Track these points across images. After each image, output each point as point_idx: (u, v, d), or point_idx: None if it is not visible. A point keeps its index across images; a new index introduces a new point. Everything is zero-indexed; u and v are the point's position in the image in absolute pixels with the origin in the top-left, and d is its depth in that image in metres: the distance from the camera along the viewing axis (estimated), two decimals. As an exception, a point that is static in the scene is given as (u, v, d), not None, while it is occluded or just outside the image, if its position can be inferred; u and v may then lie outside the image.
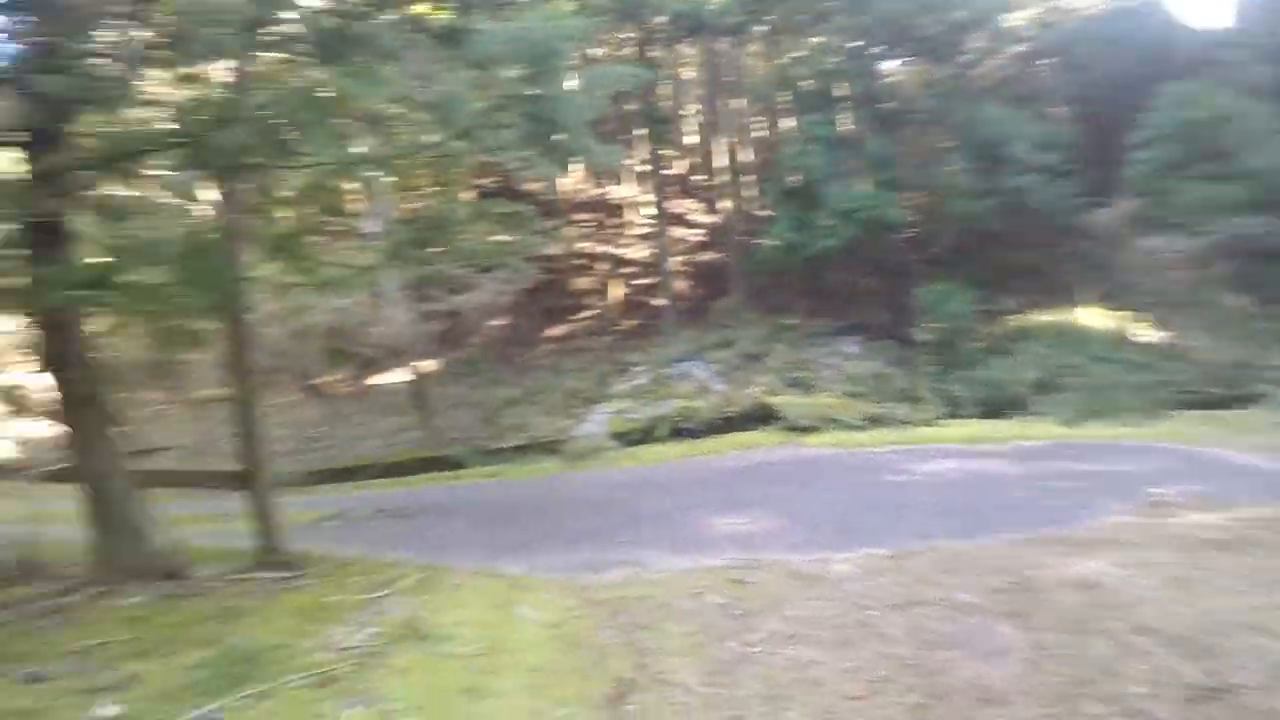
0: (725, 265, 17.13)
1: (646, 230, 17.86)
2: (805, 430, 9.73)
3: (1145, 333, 14.45)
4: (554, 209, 15.34)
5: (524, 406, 12.92)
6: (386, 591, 4.54)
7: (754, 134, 18.60)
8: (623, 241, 18.59)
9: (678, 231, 18.06)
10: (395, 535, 6.77)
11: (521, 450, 11.06)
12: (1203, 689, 2.76)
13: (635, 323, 16.38)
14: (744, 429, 10.33)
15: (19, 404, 6.44)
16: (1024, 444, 8.36)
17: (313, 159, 4.59)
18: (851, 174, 15.77)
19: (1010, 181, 14.79)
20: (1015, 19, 20.89)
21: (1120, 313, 15.02)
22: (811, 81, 17.22)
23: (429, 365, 13.41)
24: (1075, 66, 20.69)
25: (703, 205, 19.28)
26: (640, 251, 18.04)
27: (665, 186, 16.98)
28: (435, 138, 4.94)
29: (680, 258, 17.46)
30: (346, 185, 7.31)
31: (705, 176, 19.21)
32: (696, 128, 19.40)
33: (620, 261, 17.86)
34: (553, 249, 11.37)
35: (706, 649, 3.28)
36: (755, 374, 13.26)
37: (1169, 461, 7.32)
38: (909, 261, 16.93)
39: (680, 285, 16.74)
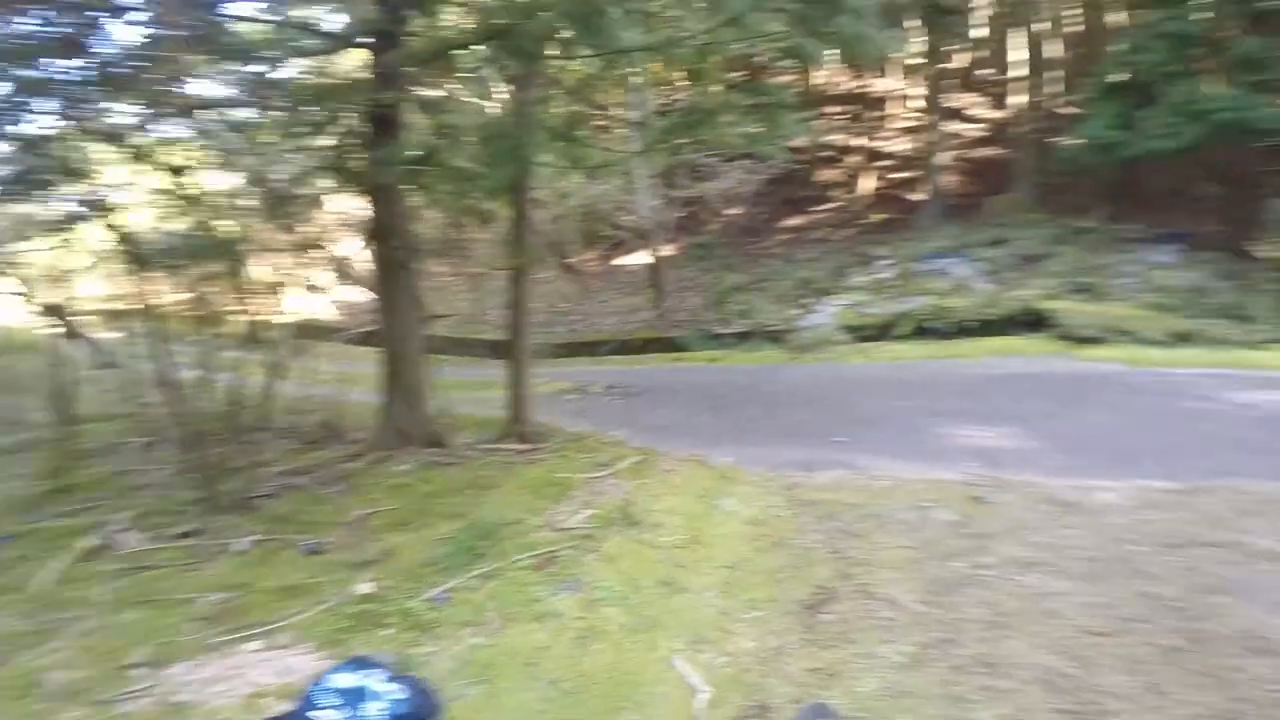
0: (1009, 162, 16.47)
1: (913, 124, 17.80)
2: (1084, 341, 8.82)
3: None
4: (807, 100, 15.30)
5: (752, 293, 13.24)
6: (606, 472, 5.00)
7: (1066, 27, 17.57)
8: (882, 135, 18.40)
9: (953, 126, 17.52)
10: (620, 413, 7.46)
11: (744, 337, 11.52)
12: None
13: (885, 216, 16.12)
14: (1006, 334, 9.65)
15: (344, 272, 8.05)
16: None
17: (597, 48, 5.08)
18: (1205, 73, 14.19)
19: None
20: None
21: None
22: None
23: (668, 249, 14.37)
24: None
25: (988, 100, 18.59)
26: (901, 144, 17.86)
27: (942, 79, 16.80)
28: (703, 25, 5.13)
29: (952, 153, 17.00)
30: (616, 75, 7.96)
31: (994, 70, 18.28)
32: (987, 19, 18.20)
33: (876, 155, 17.74)
34: (801, 141, 11.28)
35: (925, 566, 3.34)
36: (1031, 276, 12.46)
37: None
38: (1261, 171, 15.13)
39: (948, 179, 16.36)
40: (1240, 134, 13.55)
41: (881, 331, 10.42)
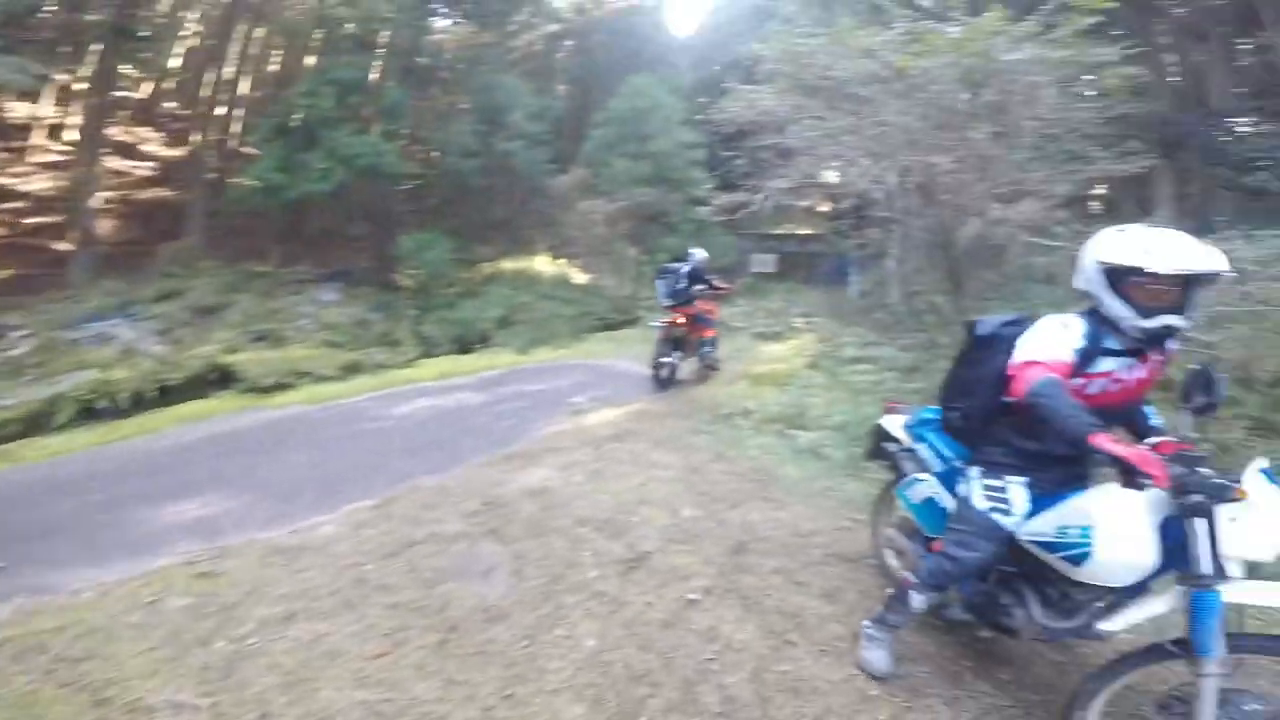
0: (182, 205, 15.75)
1: (61, 159, 15.57)
2: (270, 390, 9.37)
3: (578, 275, 20.00)
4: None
5: None
6: None
7: (268, 68, 17.45)
8: (12, 171, 15.50)
9: (117, 163, 15.89)
10: None
11: None
12: (628, 560, 4.11)
13: (14, 272, 13.50)
14: (194, 397, 9.32)
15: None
16: (487, 374, 10.08)
17: None
18: (361, 120, 16.65)
19: (501, 145, 18.31)
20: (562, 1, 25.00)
21: (563, 260, 20.56)
22: (353, 25, 16.97)
23: None
24: (584, 50, 26.46)
25: (165, 137, 17.53)
26: (42, 183, 15.42)
27: (110, 109, 15.34)
28: None
29: (113, 193, 15.44)
30: None
31: (179, 104, 16.63)
32: (186, 50, 16.72)
33: (3, 195, 14.77)
34: None
35: (186, 659, 3.09)
36: (210, 330, 12.14)
37: (585, 375, 9.79)
38: (401, 211, 18.89)
39: (108, 225, 14.79)
40: (381, 178, 16.40)
41: (29, 426, 8.57)
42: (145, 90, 17.95)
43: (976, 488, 2.73)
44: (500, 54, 23.95)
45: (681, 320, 8.48)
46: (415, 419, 7.42)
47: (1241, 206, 12.93)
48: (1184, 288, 2.32)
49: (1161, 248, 2.25)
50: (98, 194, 14.44)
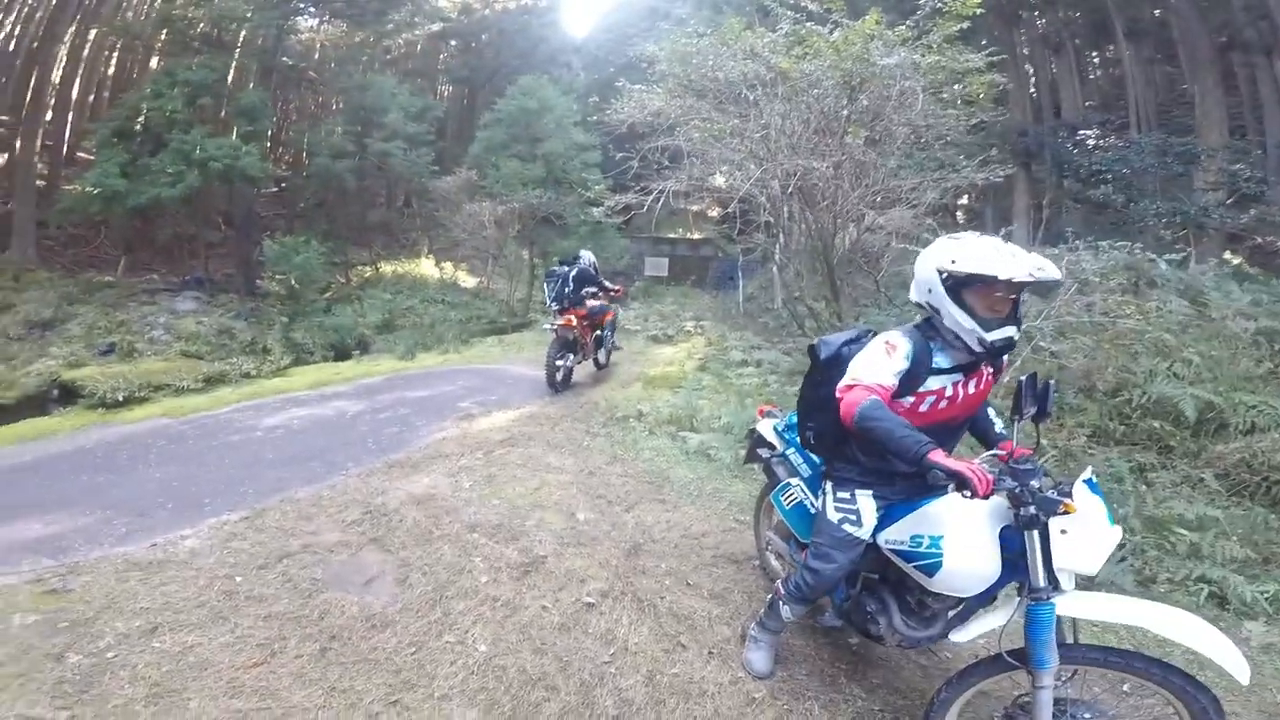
0: (8, 216, 15.14)
1: None
2: (122, 404, 8.81)
3: (467, 279, 19.74)
4: None
5: None
6: None
7: (105, 70, 17.80)
8: None
9: None
10: None
11: None
12: (522, 565, 4.10)
13: None
14: (33, 415, 8.76)
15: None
16: (366, 380, 9.69)
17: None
18: (217, 123, 15.75)
19: (377, 146, 17.91)
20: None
21: (450, 263, 20.21)
22: (205, 25, 15.98)
23: None
24: (471, 51, 25.81)
25: None
26: None
27: None
28: None
29: None
30: None
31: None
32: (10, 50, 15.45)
33: None
34: None
35: (39, 675, 2.87)
36: (49, 345, 11.33)
37: (474, 379, 9.65)
38: (263, 215, 18.13)
39: None
40: (241, 181, 15.61)
41: None
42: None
43: (829, 501, 2.79)
44: (375, 54, 23.48)
45: (573, 322, 8.53)
46: (288, 429, 7.05)
47: (1088, 219, 14.27)
48: (1016, 298, 2.38)
49: (1002, 256, 2.28)
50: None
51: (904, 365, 2.43)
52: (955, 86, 9.13)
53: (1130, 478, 5.24)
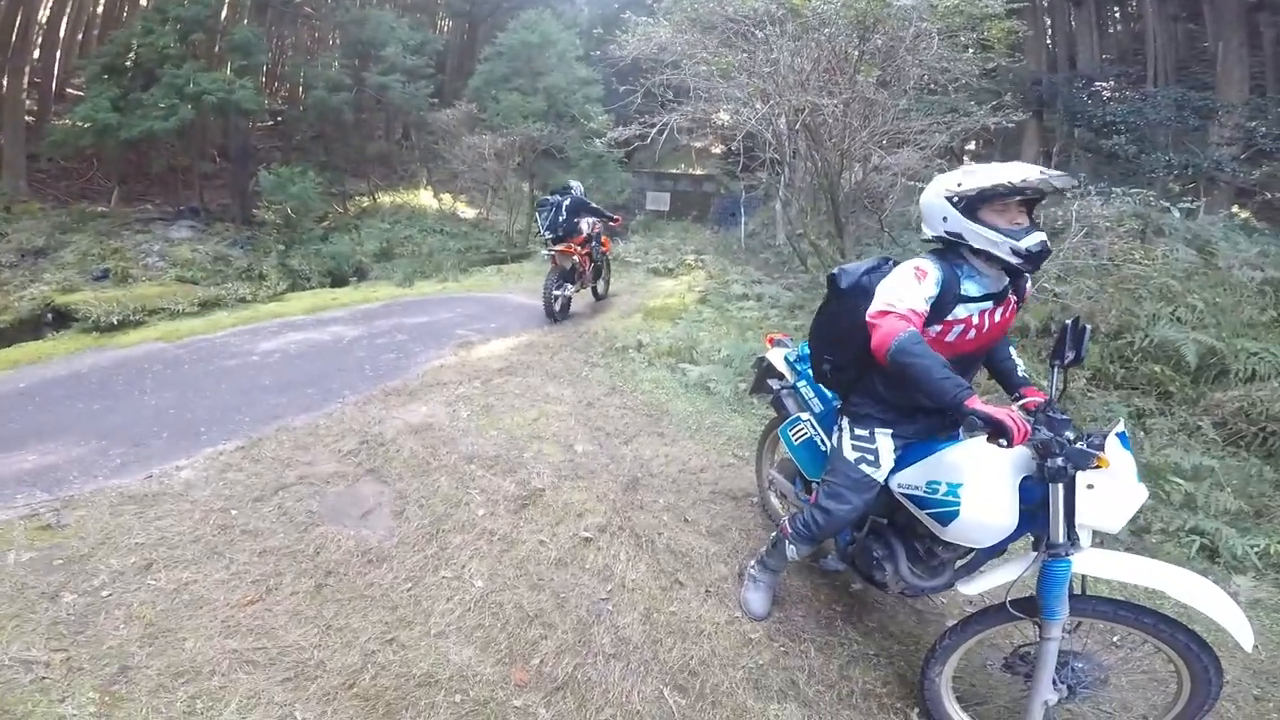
0: None
1: None
2: (116, 328, 8.59)
3: (466, 210, 19.56)
4: None
5: None
6: None
7: (95, 9, 17.91)
8: None
9: None
10: None
11: None
12: (520, 498, 4.01)
13: None
14: (27, 340, 8.51)
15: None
16: (364, 306, 9.50)
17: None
18: (207, 58, 16.14)
19: (375, 79, 18.63)
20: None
21: (449, 195, 19.82)
22: None
23: None
24: None
25: None
26: None
27: None
28: None
29: None
30: None
31: None
32: None
33: None
34: None
35: (31, 614, 2.77)
36: (43, 271, 11.42)
37: (473, 307, 9.47)
38: (260, 148, 18.40)
39: None
40: (236, 114, 15.69)
41: None
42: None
43: (845, 438, 2.65)
44: None
45: (570, 251, 8.31)
46: (285, 355, 6.86)
47: (1098, 168, 13.93)
48: (1031, 209, 2.30)
49: (1008, 168, 2.22)
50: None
51: (934, 292, 2.30)
52: (972, 32, 8.70)
53: (1128, 424, 5.15)
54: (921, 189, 2.52)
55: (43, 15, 17.25)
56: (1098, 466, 2.07)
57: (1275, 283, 6.72)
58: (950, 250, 2.39)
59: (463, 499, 3.95)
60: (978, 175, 2.26)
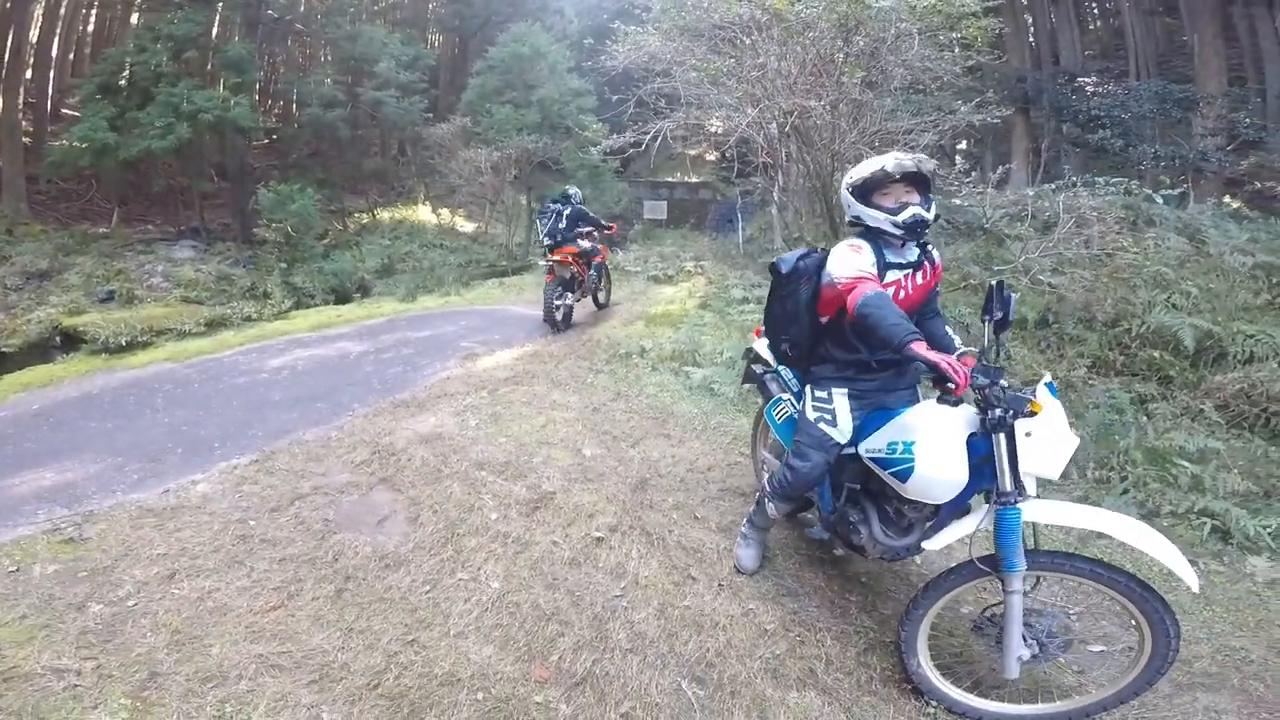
0: None
1: None
2: (125, 349, 8.69)
3: (464, 224, 19.57)
4: None
5: None
6: None
7: (85, 28, 17.84)
8: None
9: None
10: None
11: None
12: (531, 501, 4.02)
13: None
14: (36, 363, 8.61)
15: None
16: (369, 322, 9.50)
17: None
18: (201, 76, 16.10)
19: (369, 95, 17.61)
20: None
21: (447, 210, 19.88)
22: None
23: None
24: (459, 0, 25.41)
25: None
26: None
27: None
28: None
29: None
30: None
31: None
32: None
33: None
34: None
35: (61, 624, 2.80)
36: (47, 294, 11.32)
37: (476, 320, 9.48)
38: (257, 166, 18.30)
39: None
40: (233, 132, 15.59)
41: None
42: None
43: (809, 402, 2.94)
44: (363, 4, 23.10)
45: (569, 259, 8.34)
46: (293, 371, 6.89)
47: (1087, 162, 13.99)
48: (920, 189, 2.67)
49: (888, 157, 2.63)
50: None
51: (873, 259, 2.67)
52: (951, 31, 8.79)
53: (1131, 409, 5.16)
54: None
55: (33, 35, 17.16)
56: (1032, 412, 2.25)
57: (1267, 267, 6.76)
58: (868, 230, 2.76)
59: (475, 504, 3.96)
60: (862, 167, 2.71)
